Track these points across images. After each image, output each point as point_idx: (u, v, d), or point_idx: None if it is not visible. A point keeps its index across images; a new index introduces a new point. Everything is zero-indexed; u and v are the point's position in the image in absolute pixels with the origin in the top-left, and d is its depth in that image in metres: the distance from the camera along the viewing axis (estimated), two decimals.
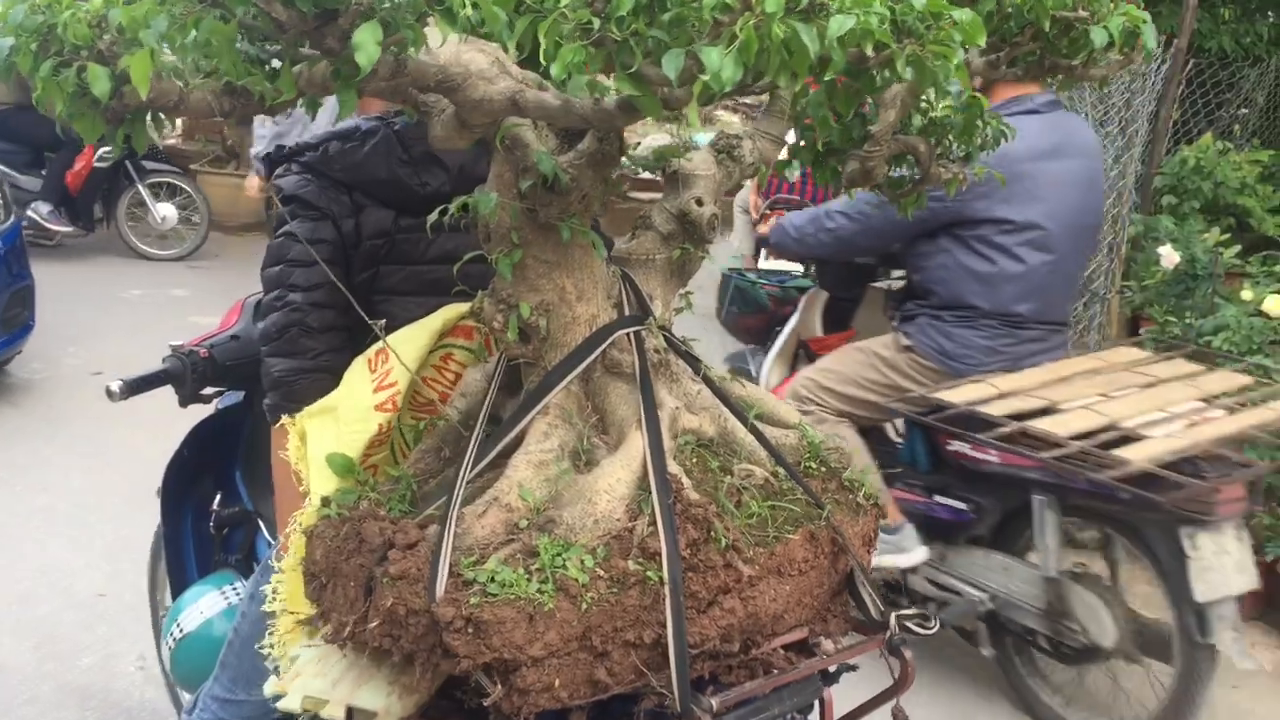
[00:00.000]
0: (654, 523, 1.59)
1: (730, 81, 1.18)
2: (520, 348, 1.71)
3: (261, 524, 2.67)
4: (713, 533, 1.60)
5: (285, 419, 1.93)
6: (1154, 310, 5.23)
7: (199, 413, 2.80)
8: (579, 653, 1.55)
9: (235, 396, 2.76)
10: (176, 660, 2.63)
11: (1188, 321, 4.77)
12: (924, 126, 1.91)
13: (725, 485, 1.70)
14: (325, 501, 1.80)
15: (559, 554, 1.56)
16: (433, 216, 1.69)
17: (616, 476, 1.63)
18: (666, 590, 1.55)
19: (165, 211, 9.50)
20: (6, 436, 5.74)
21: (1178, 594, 3.22)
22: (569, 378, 1.71)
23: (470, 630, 1.50)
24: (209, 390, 2.66)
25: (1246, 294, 4.45)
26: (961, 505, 3.69)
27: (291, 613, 1.90)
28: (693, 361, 1.82)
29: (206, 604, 2.59)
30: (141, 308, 8.15)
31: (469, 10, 1.25)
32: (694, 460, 1.75)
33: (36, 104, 1.45)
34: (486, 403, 1.76)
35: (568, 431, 1.70)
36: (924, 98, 1.84)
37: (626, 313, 1.76)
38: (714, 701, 1.56)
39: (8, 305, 6.15)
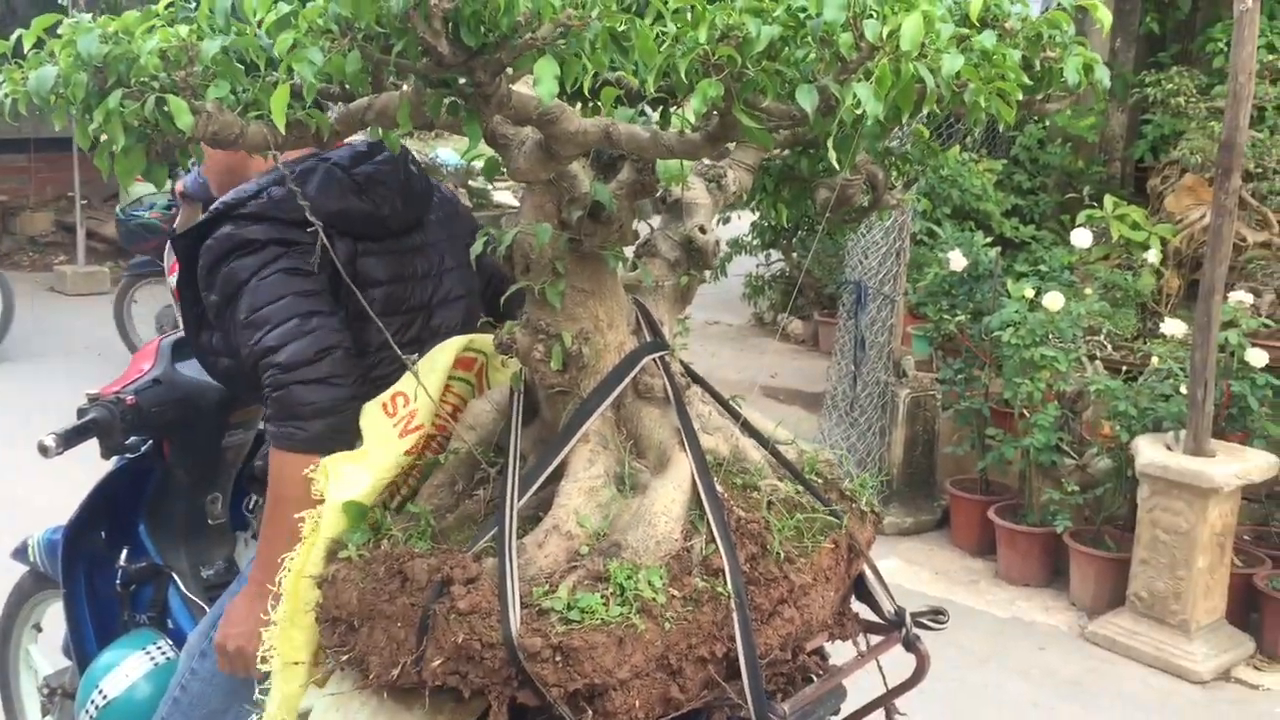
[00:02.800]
0: (712, 540, 1.65)
1: (874, 115, 1.25)
2: (557, 376, 1.72)
3: (175, 578, 2.53)
4: (767, 546, 1.67)
5: (304, 463, 1.85)
6: (929, 309, 5.64)
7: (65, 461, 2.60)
8: (657, 672, 1.58)
9: (140, 445, 2.60)
10: None
11: (960, 317, 5.18)
12: (881, 154, 2.04)
13: (760, 501, 1.77)
14: (337, 546, 1.76)
15: (630, 576, 1.59)
16: (476, 248, 1.68)
17: (671, 498, 1.67)
18: (733, 604, 1.61)
19: None
20: None
21: None
22: (606, 403, 1.73)
23: (559, 658, 1.51)
24: (132, 439, 2.49)
25: (1026, 291, 4.88)
26: None
27: (296, 664, 1.83)
28: (704, 384, 1.88)
29: (130, 666, 2.42)
30: None
31: (601, 49, 1.28)
32: (719, 479, 1.81)
33: (86, 140, 1.39)
34: (514, 435, 1.76)
35: (608, 457, 1.73)
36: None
37: (645, 339, 1.80)
38: (785, 708, 1.63)
39: None
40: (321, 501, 1.77)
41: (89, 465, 2.69)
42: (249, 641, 2.00)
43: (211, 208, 2.08)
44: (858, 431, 5.48)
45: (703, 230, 1.86)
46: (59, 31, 1.41)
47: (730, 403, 1.90)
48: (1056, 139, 7.05)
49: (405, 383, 1.86)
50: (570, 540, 1.63)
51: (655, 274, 1.86)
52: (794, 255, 8.37)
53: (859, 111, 1.25)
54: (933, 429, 5.50)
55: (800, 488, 1.85)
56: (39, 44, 1.41)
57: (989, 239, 5.88)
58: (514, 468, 1.72)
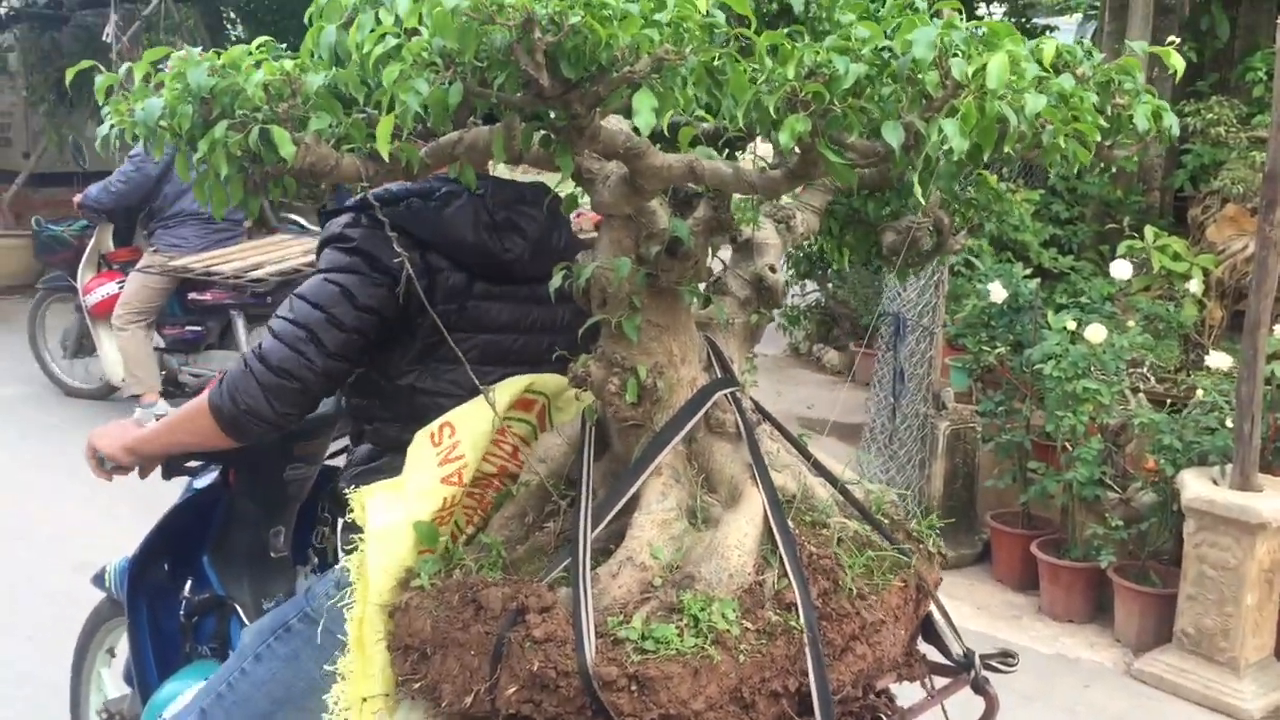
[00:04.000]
0: (784, 574, 1.65)
1: (960, 151, 1.27)
2: (631, 410, 1.73)
3: (238, 610, 2.56)
4: (839, 582, 1.68)
5: (348, 490, 1.88)
6: (968, 340, 5.63)
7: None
8: (730, 705, 1.58)
9: (210, 475, 2.62)
10: None
11: (1000, 349, 5.16)
12: (950, 197, 2.07)
13: (830, 538, 1.77)
14: (410, 575, 1.77)
15: (704, 608, 1.59)
16: (556, 280, 1.70)
17: (743, 532, 1.68)
18: (806, 638, 1.61)
19: None
20: None
21: None
22: (679, 437, 1.74)
23: (635, 688, 1.52)
24: (193, 463, 2.52)
25: (1068, 323, 4.86)
26: (199, 328, 6.76)
27: (368, 698, 1.84)
28: (773, 422, 1.90)
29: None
30: None
31: (695, 83, 1.30)
32: (789, 515, 1.81)
33: (187, 170, 1.44)
34: (586, 466, 1.77)
35: (681, 491, 1.74)
36: None
37: (716, 375, 1.82)
38: None
39: None
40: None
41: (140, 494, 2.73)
42: (107, 444, 2.36)
43: (361, 194, 2.08)
44: (897, 464, 5.47)
45: (772, 269, 1.89)
46: (169, 65, 1.46)
47: (799, 440, 1.91)
48: (1095, 168, 7.03)
49: (455, 414, 1.89)
50: (644, 571, 1.64)
51: (726, 311, 1.88)
52: (830, 286, 8.38)
53: (945, 148, 1.27)
54: (973, 462, 5.48)
55: (868, 526, 1.85)
56: (146, 77, 1.46)
57: (1028, 270, 5.87)
58: (587, 499, 1.73)
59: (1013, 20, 9.98)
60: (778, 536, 1.69)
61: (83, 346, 7.32)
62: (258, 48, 1.54)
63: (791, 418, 7.22)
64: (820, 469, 1.90)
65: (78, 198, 6.77)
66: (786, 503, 1.84)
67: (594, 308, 1.73)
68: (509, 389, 1.93)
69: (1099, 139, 2.03)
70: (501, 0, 1.21)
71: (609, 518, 1.71)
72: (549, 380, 1.99)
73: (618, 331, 1.70)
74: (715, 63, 1.31)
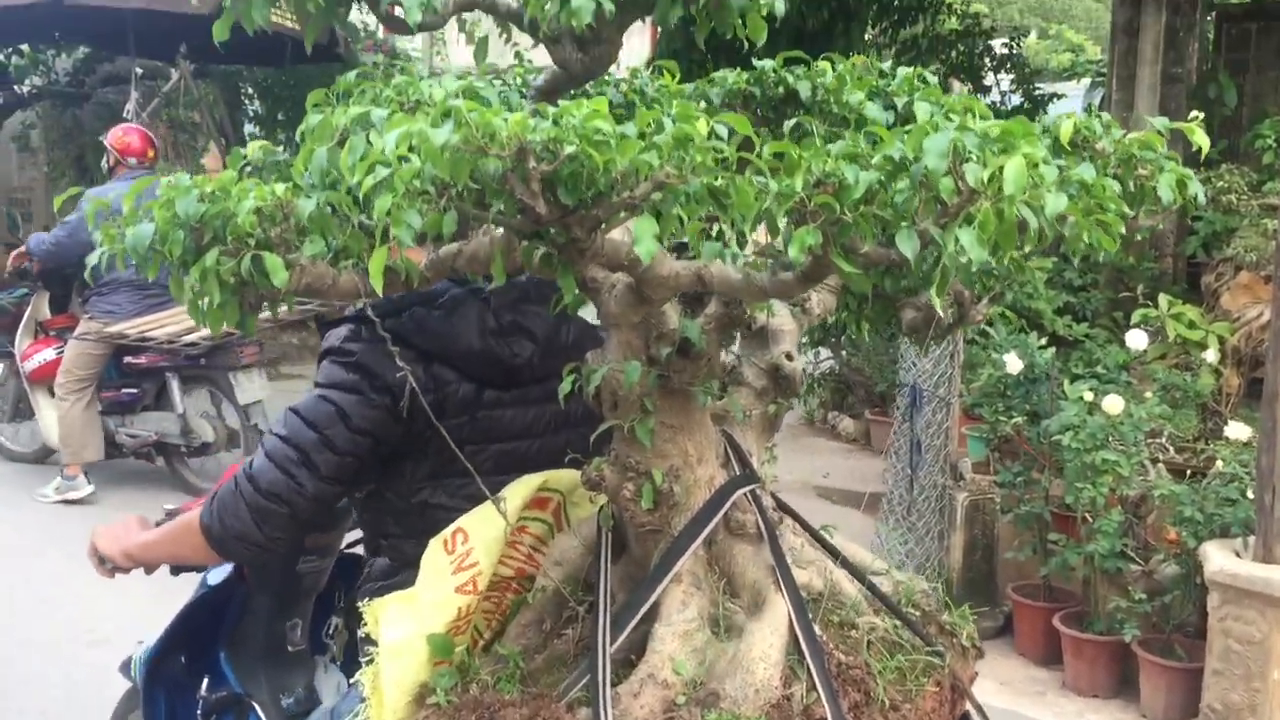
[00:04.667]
0: (813, 687, 1.61)
1: (979, 261, 1.25)
2: (648, 515, 1.70)
3: (256, 708, 2.51)
4: (871, 693, 1.63)
5: (362, 604, 1.84)
6: (984, 410, 5.58)
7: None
8: None
9: (223, 571, 2.60)
10: None
11: (1016, 419, 5.12)
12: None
13: (859, 641, 1.73)
14: (426, 690, 1.73)
15: None
16: (566, 387, 1.66)
17: (768, 642, 1.63)
18: None
19: None
20: None
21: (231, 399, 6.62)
22: (697, 541, 1.71)
23: None
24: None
25: (1085, 393, 4.82)
26: (135, 390, 6.89)
27: None
28: (795, 516, 1.86)
29: None
30: None
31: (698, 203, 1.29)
32: (815, 617, 1.77)
33: (181, 293, 1.42)
34: (604, 575, 1.73)
35: (702, 598, 1.69)
36: None
37: (734, 472, 1.79)
38: None
39: None
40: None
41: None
42: (106, 546, 2.34)
43: (362, 305, 2.03)
44: (915, 536, 5.40)
45: (789, 357, 1.85)
46: (157, 192, 1.44)
47: (823, 533, 1.87)
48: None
49: (468, 519, 1.84)
50: (666, 690, 1.59)
51: (742, 403, 1.85)
52: (844, 353, 8.35)
53: (964, 259, 1.25)
54: (992, 533, 5.41)
55: (899, 623, 1.81)
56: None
57: (1042, 339, 5.84)
58: (604, 609, 1.69)
59: (1020, 89, 10.04)
60: (804, 646, 1.64)
61: (19, 411, 7.55)
62: (259, 149, 1.53)
63: (808, 487, 7.17)
64: (846, 565, 1.86)
65: (19, 250, 7.18)
66: (812, 602, 1.79)
67: (605, 411, 1.69)
68: (522, 489, 1.90)
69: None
70: (493, 130, 1.19)
71: (629, 628, 1.67)
72: (563, 476, 1.96)
73: (630, 435, 1.67)
74: (718, 182, 1.29)
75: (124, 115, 8.93)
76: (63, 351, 6.88)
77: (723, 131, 1.33)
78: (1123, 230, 1.47)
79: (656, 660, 1.61)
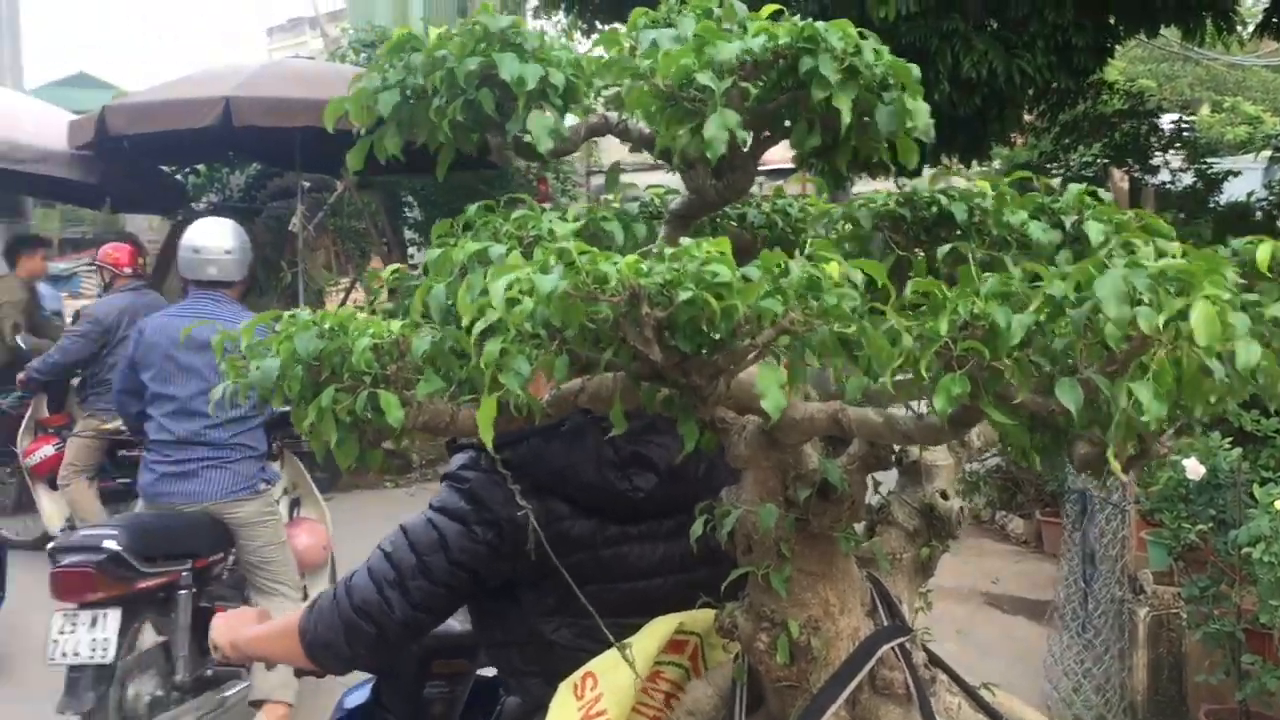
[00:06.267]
0: None
1: (1158, 419, 1.09)
2: (784, 670, 1.57)
3: None
4: None
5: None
6: (1165, 516, 5.22)
7: None
8: None
9: (361, 695, 2.55)
10: None
11: (1200, 526, 4.76)
12: None
13: None
14: None
15: None
16: (698, 529, 1.55)
17: None
18: None
19: None
20: None
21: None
22: (838, 702, 1.56)
23: None
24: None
25: (1277, 502, 4.45)
26: (129, 480, 6.66)
27: None
28: (950, 673, 1.70)
29: None
30: None
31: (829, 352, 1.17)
32: None
33: (309, 437, 1.39)
34: None
35: None
36: None
37: (881, 622, 1.64)
38: None
39: None
40: None
41: None
42: (217, 635, 2.28)
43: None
44: (1093, 655, 5.05)
45: (944, 496, 1.71)
46: (278, 328, 1.42)
47: (983, 693, 1.70)
48: None
49: (598, 663, 1.75)
50: None
51: (892, 546, 1.71)
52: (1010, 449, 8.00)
53: (1143, 418, 1.09)
54: (1179, 651, 5.02)
55: None
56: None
57: (1227, 438, 5.45)
58: None
59: (1191, 167, 9.60)
60: None
61: (21, 504, 8.19)
62: (392, 272, 1.49)
63: (976, 593, 6.83)
64: None
65: (21, 376, 7.61)
66: None
67: (739, 555, 1.58)
68: (657, 632, 1.79)
69: None
70: (604, 275, 1.11)
71: None
72: (700, 617, 1.84)
73: (765, 583, 1.54)
74: (850, 330, 1.17)
75: (289, 227, 9.33)
76: (61, 447, 7.50)
77: (856, 291, 1.20)
78: None
79: None
